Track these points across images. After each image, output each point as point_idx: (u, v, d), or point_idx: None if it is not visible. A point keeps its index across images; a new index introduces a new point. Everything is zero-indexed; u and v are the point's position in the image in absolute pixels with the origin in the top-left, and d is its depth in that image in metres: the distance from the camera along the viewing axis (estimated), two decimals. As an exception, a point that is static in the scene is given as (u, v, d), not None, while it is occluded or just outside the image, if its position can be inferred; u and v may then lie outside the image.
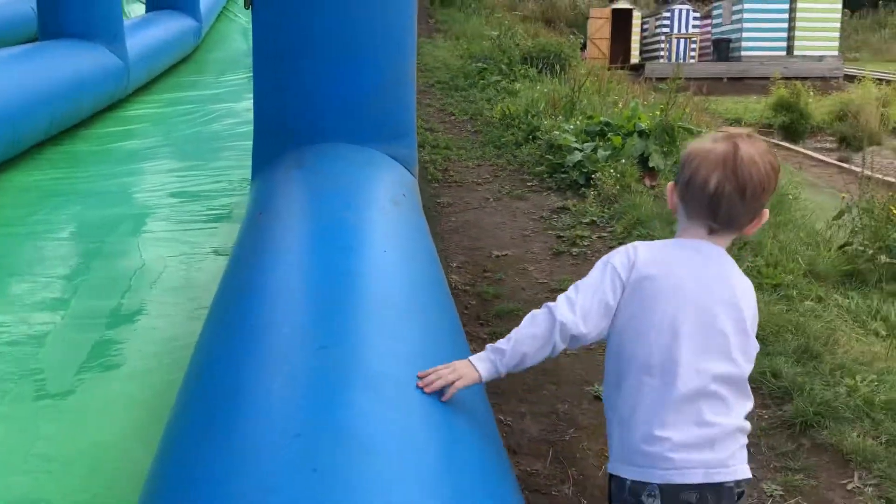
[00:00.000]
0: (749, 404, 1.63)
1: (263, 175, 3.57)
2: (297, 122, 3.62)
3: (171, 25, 9.75)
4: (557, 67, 9.20)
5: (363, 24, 3.51)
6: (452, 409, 1.53)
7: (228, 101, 8.35)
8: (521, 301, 4.03)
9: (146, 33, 8.69)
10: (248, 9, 3.72)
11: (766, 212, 1.66)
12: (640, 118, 6.04)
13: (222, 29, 12.80)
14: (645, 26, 24.55)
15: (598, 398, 3.09)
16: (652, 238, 4.56)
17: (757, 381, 3.19)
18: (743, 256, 4.34)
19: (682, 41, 22.76)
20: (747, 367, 1.61)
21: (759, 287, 4.10)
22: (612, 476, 1.64)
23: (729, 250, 1.69)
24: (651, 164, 5.60)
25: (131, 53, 7.68)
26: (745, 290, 1.65)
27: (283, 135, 3.69)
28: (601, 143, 5.77)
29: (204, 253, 4.20)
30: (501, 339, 1.62)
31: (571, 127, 6.20)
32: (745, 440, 1.61)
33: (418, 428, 1.43)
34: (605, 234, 4.79)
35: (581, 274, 1.72)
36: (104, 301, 3.62)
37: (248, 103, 8.36)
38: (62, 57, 6.56)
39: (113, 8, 7.48)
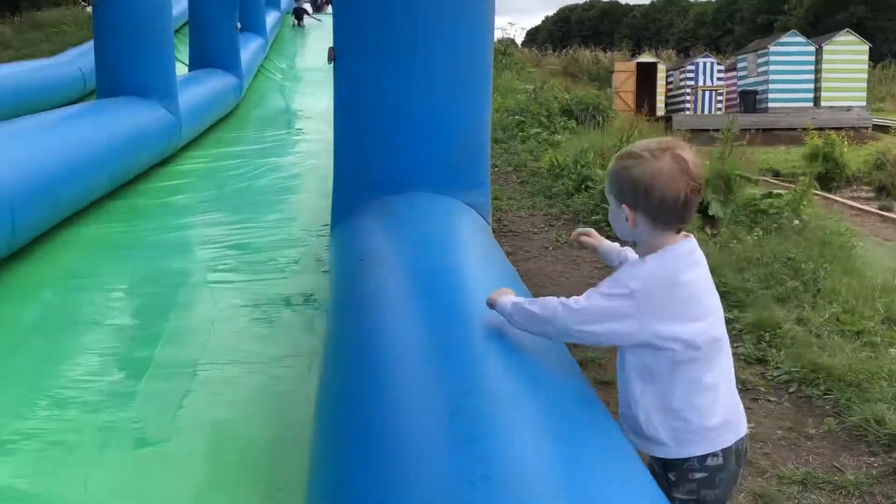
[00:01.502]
0: None
1: (347, 223, 3.60)
2: (379, 172, 3.67)
3: (216, 83, 9.98)
4: (599, 119, 9.30)
5: (445, 81, 3.57)
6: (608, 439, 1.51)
7: (273, 156, 8.47)
8: (602, 349, 3.98)
9: (194, 90, 8.87)
10: (330, 63, 3.80)
11: None
12: (694, 167, 6.03)
13: (260, 87, 13.07)
14: (669, 79, 24.82)
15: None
16: (724, 285, 4.52)
17: (861, 429, 3.12)
18: (819, 304, 4.28)
19: (707, 93, 22.96)
20: None
21: (840, 333, 4.03)
22: (675, 460, 1.83)
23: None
24: (711, 213, 5.58)
25: (182, 109, 7.85)
26: None
27: (364, 185, 3.73)
28: (659, 192, 5.77)
29: (277, 302, 4.21)
30: (537, 303, 1.89)
31: (626, 176, 6.22)
32: None
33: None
34: (673, 282, 4.74)
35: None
36: (186, 351, 3.63)
37: (293, 157, 8.53)
38: (122, 113, 6.72)
39: (167, 65, 7.67)
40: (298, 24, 19.76)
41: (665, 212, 1.80)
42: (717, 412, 1.81)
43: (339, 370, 2.19)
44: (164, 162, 7.61)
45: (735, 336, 4.00)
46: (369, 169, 3.69)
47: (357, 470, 1.66)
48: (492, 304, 2.03)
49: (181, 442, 2.88)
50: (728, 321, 2.32)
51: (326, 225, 5.76)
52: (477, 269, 2.81)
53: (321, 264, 4.85)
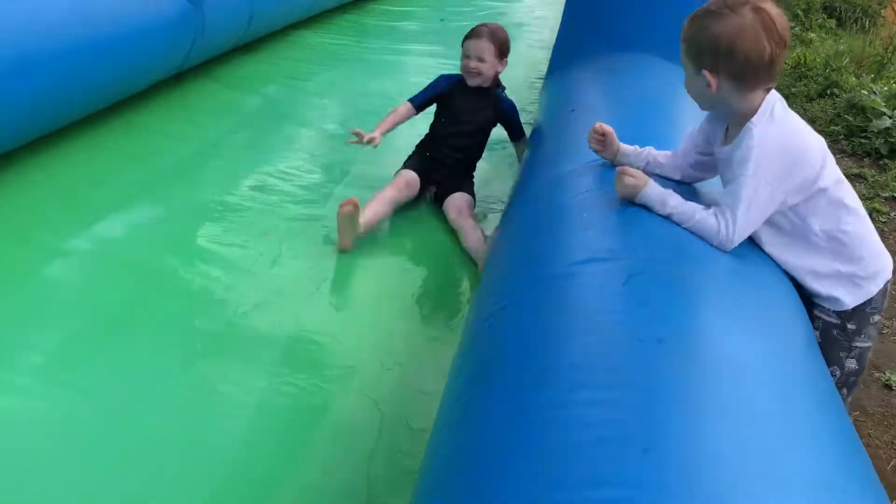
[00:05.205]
0: None
1: (565, 74, 3.44)
2: (607, 31, 3.43)
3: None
4: (867, 22, 8.17)
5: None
6: (812, 413, 1.30)
7: (503, 1, 8.25)
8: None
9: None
10: None
11: None
12: (969, 94, 5.20)
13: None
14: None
15: (887, 386, 2.76)
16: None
17: None
18: None
19: None
20: None
21: None
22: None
23: None
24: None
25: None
26: None
27: (588, 41, 3.52)
28: (918, 114, 5.06)
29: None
30: (678, 199, 1.74)
31: (882, 90, 5.48)
32: None
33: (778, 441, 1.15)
34: (907, 215, 4.22)
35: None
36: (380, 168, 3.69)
37: (520, 6, 8.25)
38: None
39: None
40: None
41: (754, 72, 1.66)
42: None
43: (527, 216, 2.14)
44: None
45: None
46: (599, 26, 3.45)
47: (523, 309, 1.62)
48: (629, 192, 1.78)
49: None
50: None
51: (540, 78, 5.60)
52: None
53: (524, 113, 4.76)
